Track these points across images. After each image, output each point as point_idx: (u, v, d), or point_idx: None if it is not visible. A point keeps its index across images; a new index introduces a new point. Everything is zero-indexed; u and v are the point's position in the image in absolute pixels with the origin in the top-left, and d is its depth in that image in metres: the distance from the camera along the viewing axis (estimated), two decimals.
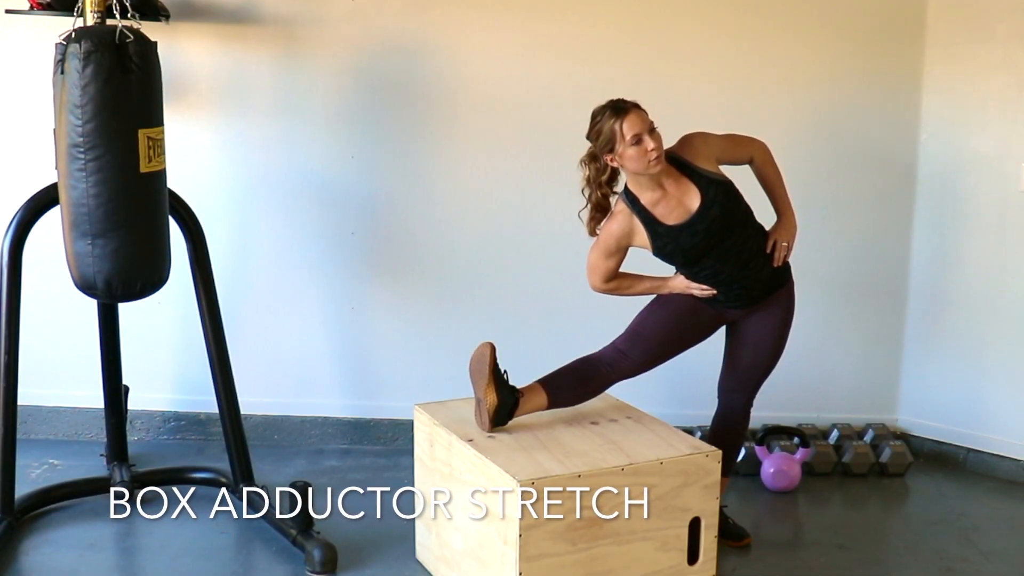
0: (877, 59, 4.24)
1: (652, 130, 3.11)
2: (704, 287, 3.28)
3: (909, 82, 4.25)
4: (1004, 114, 4.08)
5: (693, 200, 3.17)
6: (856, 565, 3.49)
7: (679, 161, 3.21)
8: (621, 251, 3.26)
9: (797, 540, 3.77)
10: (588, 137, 3.18)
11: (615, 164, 3.16)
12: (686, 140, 3.25)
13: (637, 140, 3.08)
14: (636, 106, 3.13)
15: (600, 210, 3.25)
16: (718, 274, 3.25)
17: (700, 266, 3.24)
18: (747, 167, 3.36)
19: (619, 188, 3.27)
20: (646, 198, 3.19)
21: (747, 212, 3.27)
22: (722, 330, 3.45)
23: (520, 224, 4.28)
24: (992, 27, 4.07)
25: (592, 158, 3.19)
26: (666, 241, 3.19)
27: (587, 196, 3.24)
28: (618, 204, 3.24)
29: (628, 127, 3.08)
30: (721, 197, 3.18)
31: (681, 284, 3.31)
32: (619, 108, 3.11)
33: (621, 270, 3.33)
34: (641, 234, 3.21)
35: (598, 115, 3.15)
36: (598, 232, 3.27)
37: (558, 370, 3.31)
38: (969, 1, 4.12)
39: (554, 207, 4.25)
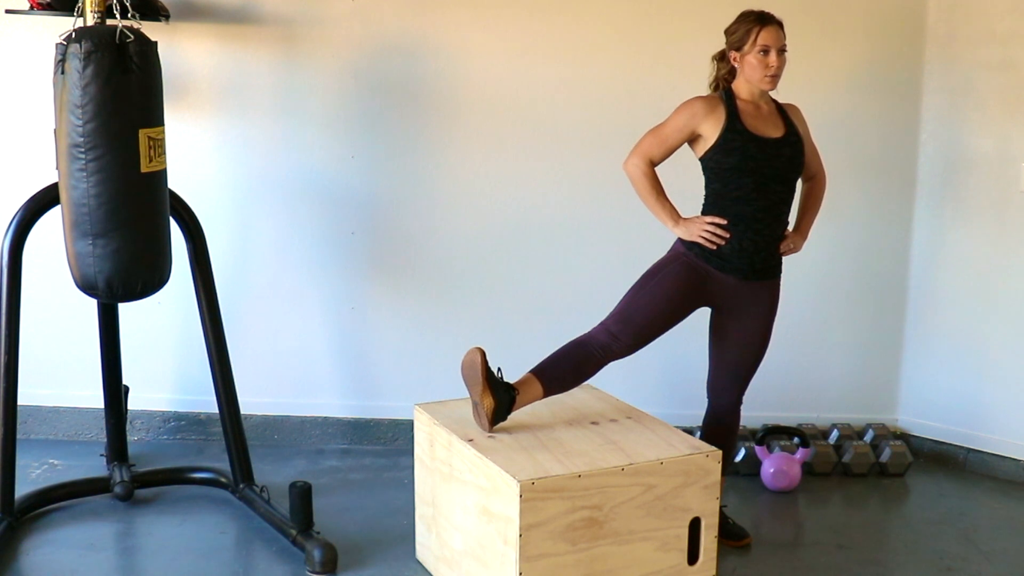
0: (877, 59, 4.24)
1: (782, 51, 3.27)
2: (716, 231, 3.26)
3: (909, 82, 4.25)
4: (1004, 114, 4.08)
5: (776, 131, 3.33)
6: (856, 565, 3.49)
7: (781, 109, 3.40)
8: (688, 130, 3.29)
9: (797, 540, 3.77)
10: (725, 31, 3.34)
11: (735, 63, 3.31)
12: (796, 107, 3.47)
13: (765, 51, 3.25)
14: (780, 24, 3.29)
15: None
16: (746, 202, 3.26)
17: (739, 183, 3.25)
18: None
19: None
20: (742, 101, 3.33)
21: (794, 193, 3.39)
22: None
23: (520, 224, 4.28)
24: (992, 27, 4.07)
25: (721, 56, 3.38)
26: (735, 137, 3.24)
27: (712, 91, 3.42)
28: (713, 92, 3.40)
29: (763, 36, 3.24)
30: (796, 149, 3.34)
31: (694, 226, 3.30)
32: (764, 17, 3.28)
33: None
34: (716, 121, 3.26)
35: (743, 15, 3.31)
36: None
37: (550, 357, 3.31)
38: (969, 1, 4.12)
39: (554, 207, 4.26)
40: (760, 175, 3.25)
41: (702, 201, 3.37)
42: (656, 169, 3.35)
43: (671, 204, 3.36)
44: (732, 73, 3.35)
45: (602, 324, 3.34)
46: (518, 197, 4.27)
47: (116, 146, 3.15)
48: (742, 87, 3.33)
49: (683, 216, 3.35)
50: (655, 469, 3.00)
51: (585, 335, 3.34)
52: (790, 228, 3.43)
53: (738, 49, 3.28)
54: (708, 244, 3.28)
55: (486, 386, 3.14)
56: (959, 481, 4.22)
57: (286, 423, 4.40)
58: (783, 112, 3.39)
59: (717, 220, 3.28)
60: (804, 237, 3.48)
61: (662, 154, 3.33)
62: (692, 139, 3.32)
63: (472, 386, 3.17)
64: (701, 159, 3.33)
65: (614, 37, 4.17)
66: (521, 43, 4.18)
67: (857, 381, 4.45)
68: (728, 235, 3.27)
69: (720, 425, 3.54)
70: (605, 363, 3.33)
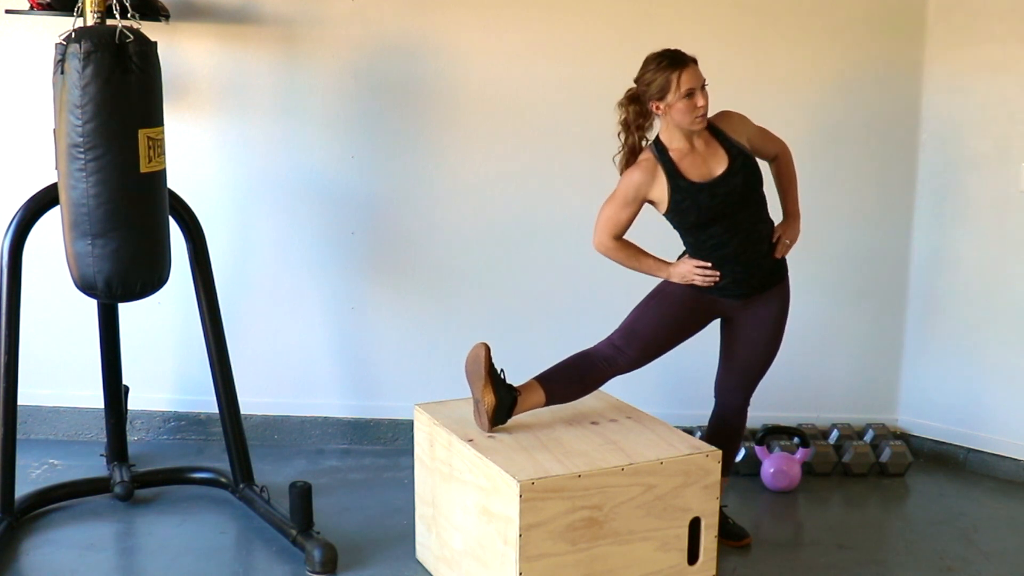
0: (877, 59, 4.24)
1: (703, 87, 3.15)
2: (706, 272, 3.25)
3: (909, 82, 4.25)
4: (1004, 114, 4.08)
5: (720, 164, 3.21)
6: (856, 565, 3.49)
7: (714, 128, 3.26)
8: (638, 202, 3.24)
9: (797, 540, 3.77)
10: (637, 80, 3.21)
11: (659, 112, 3.19)
12: (725, 113, 3.31)
13: (690, 94, 3.12)
14: (694, 61, 3.17)
15: (635, 153, 3.27)
16: (723, 246, 3.23)
17: (708, 233, 3.23)
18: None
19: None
20: (675, 150, 3.22)
21: (763, 197, 3.31)
22: (718, 328, 3.45)
23: (520, 223, 4.28)
24: (992, 27, 4.07)
25: (632, 100, 3.23)
26: (684, 196, 3.18)
27: (623, 139, 3.27)
28: (644, 153, 3.26)
29: (685, 80, 3.11)
30: (747, 169, 3.22)
31: (684, 270, 3.28)
32: (678, 60, 3.14)
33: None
34: (661, 186, 3.20)
35: (654, 62, 3.16)
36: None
37: (555, 366, 3.31)
38: (969, 1, 4.12)
39: (554, 206, 4.26)
40: (724, 216, 3.21)
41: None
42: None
43: (654, 258, 3.32)
44: (651, 120, 3.24)
45: (608, 338, 3.34)
46: (518, 197, 4.27)
47: (115, 146, 3.15)
48: (672, 135, 3.22)
49: (669, 262, 3.32)
50: (655, 469, 3.00)
51: (591, 347, 3.34)
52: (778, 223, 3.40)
53: (660, 99, 3.15)
54: (704, 284, 3.27)
55: (488, 382, 3.13)
56: (959, 481, 4.22)
57: (286, 423, 4.40)
58: (718, 133, 3.25)
59: (703, 264, 3.26)
60: (796, 218, 3.41)
61: (622, 228, 3.27)
62: (648, 202, 3.26)
63: (474, 381, 3.17)
64: (665, 216, 3.28)
65: (614, 37, 4.17)
66: (521, 43, 4.18)
67: (857, 381, 4.45)
68: (718, 274, 3.26)
69: (725, 426, 3.53)
70: (610, 376, 3.32)
